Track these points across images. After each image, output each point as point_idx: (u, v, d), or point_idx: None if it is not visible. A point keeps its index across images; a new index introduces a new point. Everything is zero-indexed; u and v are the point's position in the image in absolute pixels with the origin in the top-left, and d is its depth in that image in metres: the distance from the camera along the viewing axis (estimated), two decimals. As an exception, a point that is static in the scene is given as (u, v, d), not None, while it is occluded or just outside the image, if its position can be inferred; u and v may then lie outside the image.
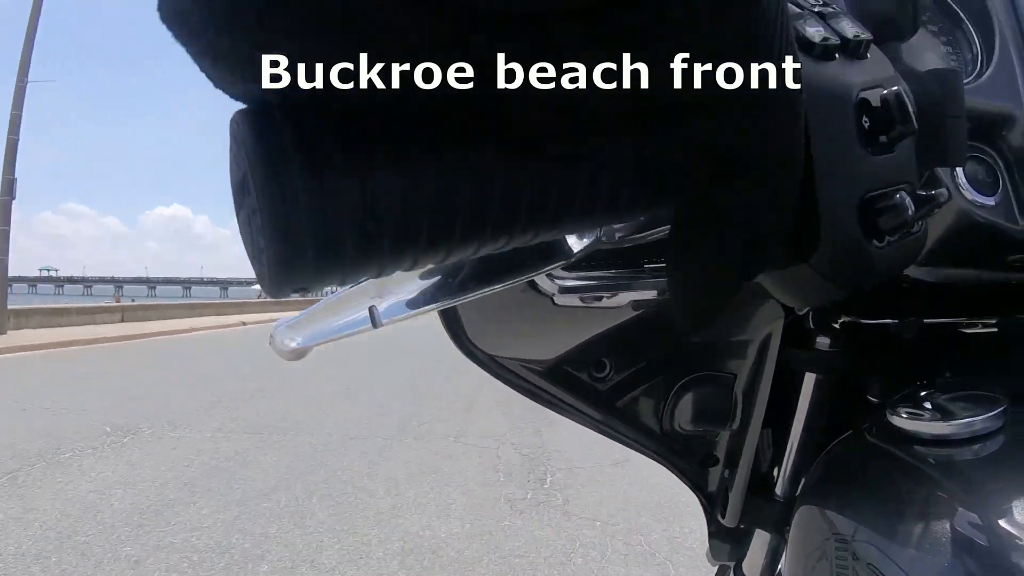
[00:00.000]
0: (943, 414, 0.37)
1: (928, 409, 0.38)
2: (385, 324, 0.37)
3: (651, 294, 0.49)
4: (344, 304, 0.39)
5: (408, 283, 0.35)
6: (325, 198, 0.17)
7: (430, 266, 0.22)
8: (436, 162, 0.19)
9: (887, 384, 0.47)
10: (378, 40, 0.15)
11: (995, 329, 0.47)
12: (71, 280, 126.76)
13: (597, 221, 0.23)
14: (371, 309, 0.37)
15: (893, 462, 0.39)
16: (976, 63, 0.39)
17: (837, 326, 0.50)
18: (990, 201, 0.36)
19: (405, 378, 7.86)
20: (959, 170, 0.36)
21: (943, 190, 0.27)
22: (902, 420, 0.38)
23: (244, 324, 19.65)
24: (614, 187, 0.21)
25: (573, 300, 0.49)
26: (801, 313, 0.51)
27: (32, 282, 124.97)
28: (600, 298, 0.49)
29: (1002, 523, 0.29)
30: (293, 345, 0.39)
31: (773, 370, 0.55)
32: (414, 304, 0.35)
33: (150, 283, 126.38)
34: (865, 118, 0.26)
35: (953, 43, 0.40)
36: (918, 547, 0.31)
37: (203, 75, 0.17)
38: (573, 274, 0.47)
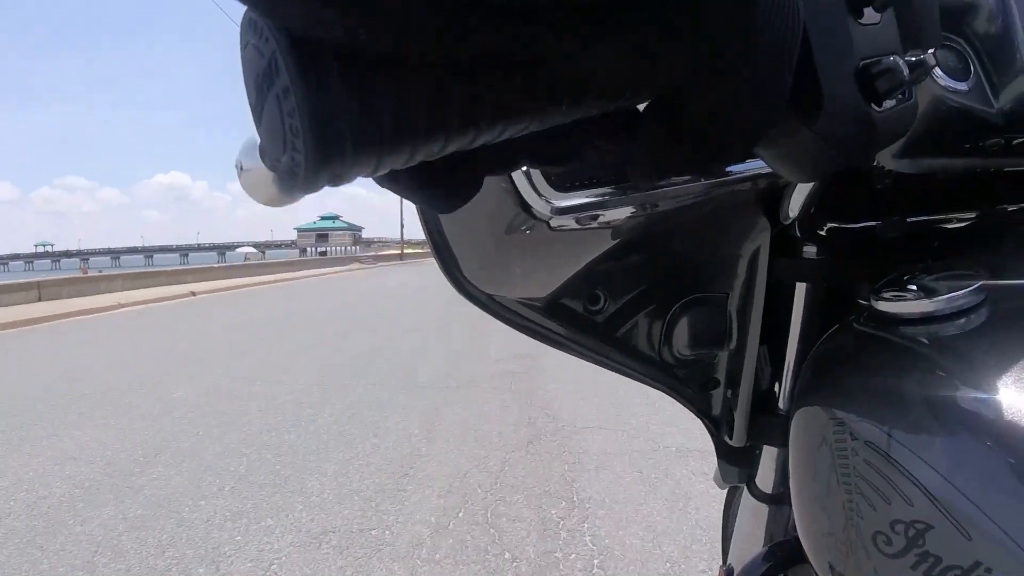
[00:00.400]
0: (926, 293, 0.38)
1: (911, 291, 0.39)
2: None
3: (647, 207, 0.48)
4: None
5: None
6: (359, 78, 0.17)
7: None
8: (458, 68, 0.19)
9: (873, 285, 0.45)
10: (377, 24, 0.16)
11: (975, 222, 0.48)
12: (67, 254, 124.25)
13: (590, 106, 0.22)
14: None
15: (880, 345, 0.39)
16: None
17: (823, 233, 0.51)
18: (963, 86, 0.37)
19: (309, 387, 4.71)
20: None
21: (930, 55, 0.27)
22: (886, 303, 0.39)
23: (194, 294, 16.76)
24: (608, 76, 0.21)
25: (569, 222, 0.48)
26: (787, 222, 0.51)
27: (28, 258, 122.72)
28: (596, 216, 0.48)
29: (992, 392, 0.30)
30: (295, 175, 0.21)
31: (764, 285, 0.56)
32: None
33: (147, 252, 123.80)
34: None
35: None
36: (912, 420, 0.33)
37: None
38: (568, 193, 0.46)
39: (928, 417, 0.32)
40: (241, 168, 0.23)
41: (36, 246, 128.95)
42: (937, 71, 0.36)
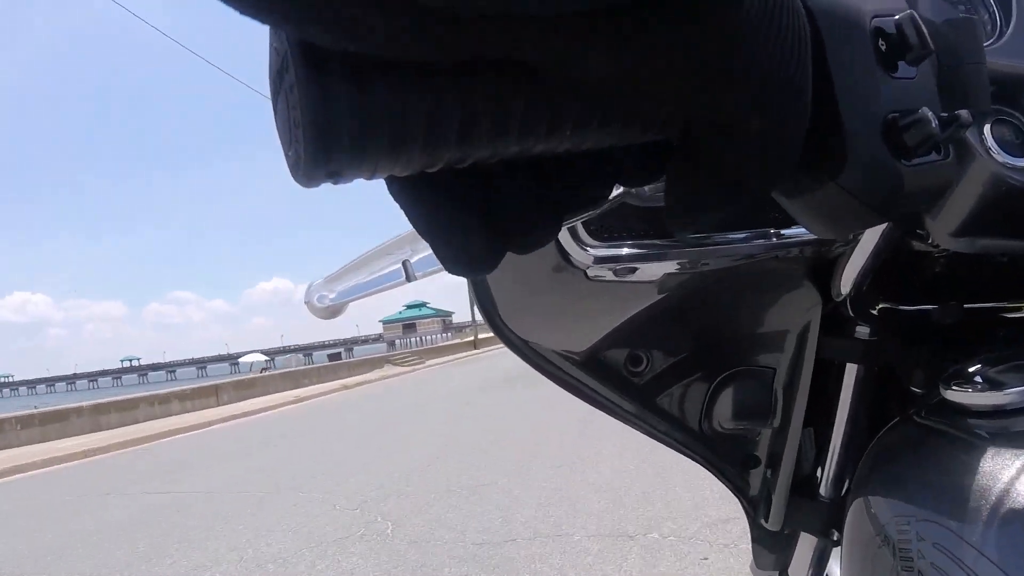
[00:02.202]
0: (996, 385, 0.36)
1: (980, 382, 0.38)
2: (419, 277, 0.37)
3: (686, 265, 0.48)
4: (376, 260, 0.39)
5: None
6: (362, 79, 0.18)
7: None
8: (464, 75, 0.19)
9: (930, 372, 0.45)
10: (370, 35, 0.16)
11: None
12: (154, 367, 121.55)
13: (595, 137, 0.22)
14: (404, 263, 0.37)
15: (948, 439, 0.38)
16: (995, 26, 0.38)
17: (875, 313, 0.50)
18: (1021, 163, 0.35)
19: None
20: (988, 133, 0.35)
21: (966, 112, 0.26)
22: (955, 394, 0.38)
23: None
24: (611, 104, 0.21)
25: (607, 273, 0.48)
26: (839, 299, 0.50)
27: (116, 374, 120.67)
28: (634, 270, 0.48)
29: None
30: (327, 303, 0.40)
31: (812, 363, 0.55)
32: None
33: (232, 359, 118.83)
34: (882, 42, 0.26)
35: (969, 6, 0.38)
36: (986, 521, 0.31)
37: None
38: (606, 243, 0.46)
39: (999, 518, 0.30)
40: (306, 299, 0.37)
41: (122, 361, 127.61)
42: (993, 146, 0.34)
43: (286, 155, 0.20)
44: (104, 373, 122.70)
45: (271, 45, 0.19)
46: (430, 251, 0.32)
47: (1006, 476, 0.31)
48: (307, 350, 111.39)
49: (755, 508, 0.63)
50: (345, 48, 0.17)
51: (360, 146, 0.18)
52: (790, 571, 0.63)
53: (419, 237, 0.27)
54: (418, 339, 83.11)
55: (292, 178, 0.20)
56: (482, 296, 0.53)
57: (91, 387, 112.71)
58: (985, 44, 0.32)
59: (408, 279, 0.36)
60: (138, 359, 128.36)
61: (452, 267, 0.24)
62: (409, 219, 0.23)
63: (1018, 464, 0.32)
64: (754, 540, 0.64)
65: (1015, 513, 0.30)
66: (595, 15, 0.17)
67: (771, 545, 0.63)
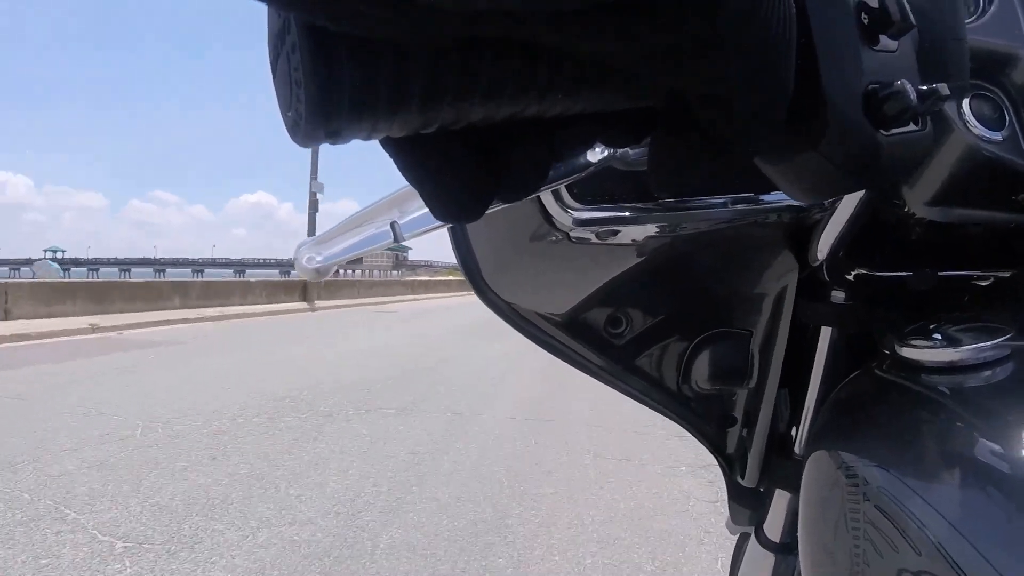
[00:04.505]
0: (951, 342, 0.38)
1: (937, 339, 0.39)
2: (407, 239, 0.39)
3: (667, 228, 0.49)
4: (365, 222, 0.41)
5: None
6: (361, 41, 0.18)
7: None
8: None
9: (900, 333, 0.46)
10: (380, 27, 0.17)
11: (1009, 281, 0.48)
12: (76, 262, 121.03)
13: (585, 103, 0.23)
14: (392, 224, 0.39)
15: (901, 393, 0.40)
16: (978, 3, 0.38)
17: (851, 278, 0.51)
18: (997, 136, 0.36)
19: None
20: (966, 106, 0.36)
21: (944, 85, 0.27)
22: (910, 350, 0.40)
23: None
24: (603, 76, 0.22)
25: (589, 236, 0.49)
26: (815, 264, 0.52)
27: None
28: (616, 232, 0.49)
29: (1009, 447, 0.30)
30: (315, 264, 0.41)
31: (788, 326, 0.56)
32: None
33: (158, 265, 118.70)
34: (864, 15, 0.26)
35: None
36: (926, 469, 0.33)
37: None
38: (589, 206, 0.47)
39: (942, 467, 0.32)
40: (295, 260, 0.39)
41: (45, 252, 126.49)
42: (971, 119, 0.36)
43: (284, 115, 0.20)
44: (29, 261, 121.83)
45: (269, 10, 0.20)
46: (418, 213, 0.36)
47: (953, 429, 0.33)
48: (239, 266, 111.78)
49: (731, 466, 0.65)
50: (347, 30, 0.17)
51: (359, 107, 0.18)
52: (765, 527, 0.64)
53: (407, 199, 0.32)
54: (363, 272, 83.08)
55: (290, 138, 0.20)
56: (465, 257, 0.55)
57: (12, 275, 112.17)
58: (968, 21, 0.35)
59: (396, 240, 0.38)
60: (63, 251, 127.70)
61: (442, 214, 0.25)
62: (399, 168, 0.24)
63: (966, 418, 0.34)
64: (730, 497, 0.66)
65: (956, 461, 0.31)
66: (588, 10, 0.17)
67: (747, 502, 0.65)
